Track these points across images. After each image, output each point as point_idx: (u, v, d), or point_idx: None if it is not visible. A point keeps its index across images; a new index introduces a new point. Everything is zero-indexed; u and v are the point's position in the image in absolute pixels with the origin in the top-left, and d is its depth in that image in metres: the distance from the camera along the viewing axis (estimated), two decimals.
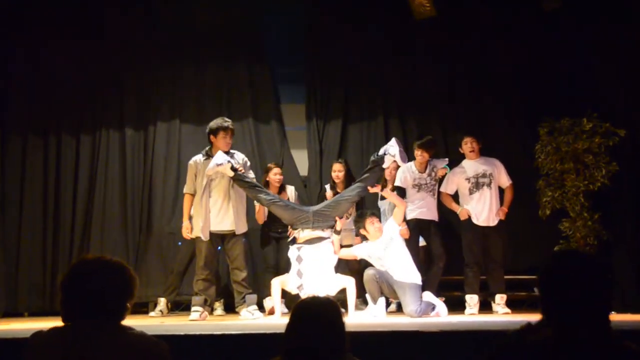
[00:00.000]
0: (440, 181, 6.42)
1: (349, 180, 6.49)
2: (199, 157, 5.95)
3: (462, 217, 6.26)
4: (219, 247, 5.96)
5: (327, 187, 6.75)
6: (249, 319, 5.65)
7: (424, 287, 5.79)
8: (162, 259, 7.10)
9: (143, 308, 6.83)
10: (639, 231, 6.40)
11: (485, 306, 6.18)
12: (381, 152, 5.79)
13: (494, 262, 6.19)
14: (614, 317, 2.68)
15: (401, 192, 6.27)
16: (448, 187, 6.39)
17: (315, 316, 2.26)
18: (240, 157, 5.98)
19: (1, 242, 7.09)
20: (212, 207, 5.80)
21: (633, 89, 6.55)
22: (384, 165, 5.89)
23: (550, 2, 6.81)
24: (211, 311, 6.06)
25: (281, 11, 7.85)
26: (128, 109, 7.44)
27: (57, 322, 2.20)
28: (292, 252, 5.66)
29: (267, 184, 6.45)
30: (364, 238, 5.91)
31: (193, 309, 5.74)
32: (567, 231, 6.34)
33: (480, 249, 6.20)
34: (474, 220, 6.20)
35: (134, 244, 7.18)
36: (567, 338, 1.87)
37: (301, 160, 7.52)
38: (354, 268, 6.30)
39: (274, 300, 5.70)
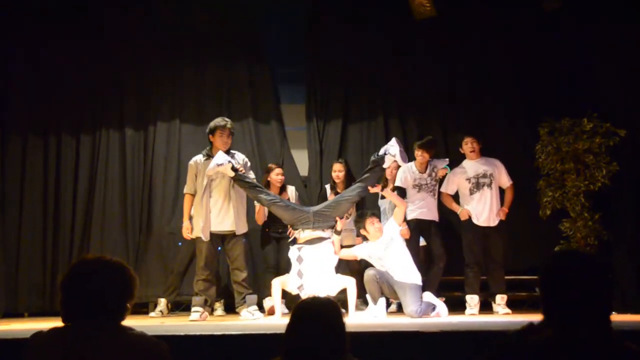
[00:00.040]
0: (440, 181, 6.42)
1: (349, 180, 6.48)
2: (199, 158, 5.95)
3: (463, 217, 6.26)
4: (219, 248, 5.96)
5: (327, 187, 6.75)
6: (249, 320, 5.65)
7: (424, 288, 5.78)
8: (162, 259, 7.09)
9: (143, 308, 6.83)
10: (639, 231, 6.40)
11: (486, 306, 6.18)
12: (381, 152, 5.79)
13: (494, 262, 6.19)
14: (615, 317, 2.67)
15: (401, 192, 6.26)
16: (448, 188, 6.39)
17: (316, 316, 2.26)
18: (240, 158, 5.98)
19: (1, 242, 7.08)
20: (212, 208, 5.80)
21: (633, 89, 6.54)
22: (385, 165, 5.88)
23: (550, 2, 6.81)
24: (211, 311, 6.06)
25: (281, 11, 7.85)
26: (128, 109, 7.43)
27: (57, 322, 2.20)
28: (293, 252, 5.65)
29: (268, 184, 6.44)
30: (365, 239, 5.90)
31: (193, 309, 5.74)
32: (567, 231, 6.34)
33: (481, 249, 6.19)
34: (475, 221, 6.19)
35: (134, 244, 7.17)
36: (567, 338, 1.87)
37: (301, 160, 7.52)
38: (355, 268, 6.30)
39: (274, 301, 5.69)
